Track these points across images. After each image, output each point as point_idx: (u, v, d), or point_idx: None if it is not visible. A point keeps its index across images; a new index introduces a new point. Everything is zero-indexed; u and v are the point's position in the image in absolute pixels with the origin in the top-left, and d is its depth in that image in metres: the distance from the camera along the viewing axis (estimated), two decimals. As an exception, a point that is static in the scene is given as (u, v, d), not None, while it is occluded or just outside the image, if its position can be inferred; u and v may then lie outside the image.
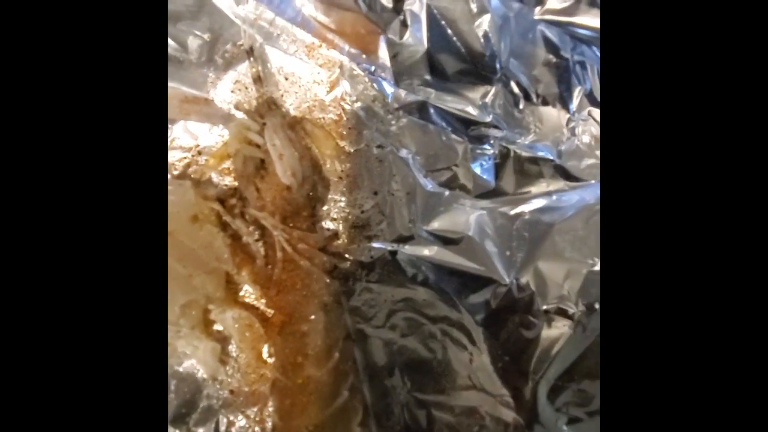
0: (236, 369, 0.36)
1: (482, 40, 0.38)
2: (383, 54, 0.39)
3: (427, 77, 0.39)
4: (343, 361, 0.33)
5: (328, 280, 0.35)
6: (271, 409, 0.34)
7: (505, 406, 0.36)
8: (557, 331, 0.37)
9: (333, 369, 0.33)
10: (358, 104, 0.40)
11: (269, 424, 0.35)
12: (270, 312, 0.36)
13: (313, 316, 0.33)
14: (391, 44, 0.39)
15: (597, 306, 0.36)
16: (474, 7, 0.37)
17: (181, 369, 0.36)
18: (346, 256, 0.38)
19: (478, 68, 0.39)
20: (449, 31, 0.38)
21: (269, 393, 0.35)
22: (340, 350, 0.33)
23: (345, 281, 0.37)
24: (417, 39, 0.38)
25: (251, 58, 0.39)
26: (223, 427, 0.35)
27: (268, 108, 0.37)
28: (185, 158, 0.40)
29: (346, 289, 0.37)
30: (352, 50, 0.40)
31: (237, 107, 0.38)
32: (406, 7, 0.38)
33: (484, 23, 0.37)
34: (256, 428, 0.35)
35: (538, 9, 0.36)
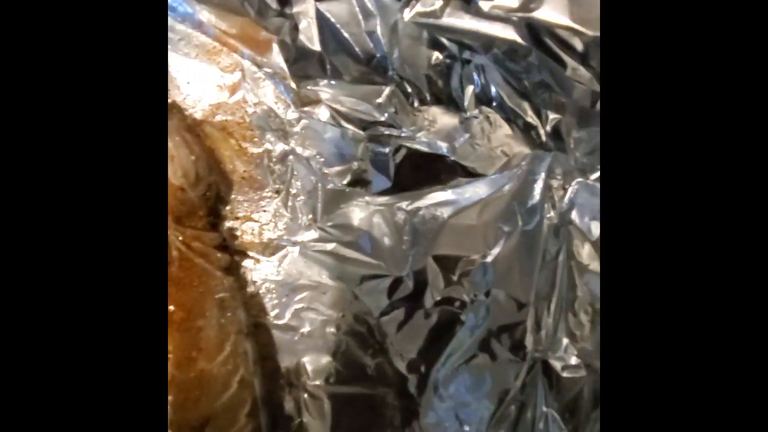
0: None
1: (373, 41, 0.39)
2: (279, 58, 0.40)
3: (324, 79, 0.41)
4: (234, 354, 0.34)
5: (222, 277, 0.36)
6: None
7: (402, 396, 0.37)
8: (451, 321, 0.38)
9: (223, 362, 0.34)
10: (260, 107, 0.41)
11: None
12: (170, 309, 0.37)
13: (208, 312, 0.34)
14: (285, 48, 0.40)
15: (487, 296, 0.38)
16: (359, 9, 0.38)
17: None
18: (249, 253, 0.39)
19: (372, 69, 0.40)
20: (342, 33, 0.39)
21: (166, 389, 0.36)
22: (232, 344, 0.34)
23: (242, 277, 0.38)
24: (310, 42, 0.40)
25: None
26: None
27: (169, 111, 0.38)
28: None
29: (243, 285, 0.38)
30: (252, 54, 0.41)
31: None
32: (296, 10, 0.39)
33: (373, 25, 0.39)
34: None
35: (407, 11, 0.37)
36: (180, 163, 0.35)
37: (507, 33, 0.36)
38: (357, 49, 0.40)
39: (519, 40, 0.36)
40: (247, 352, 0.35)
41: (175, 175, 0.35)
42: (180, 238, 0.35)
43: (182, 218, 0.36)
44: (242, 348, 0.35)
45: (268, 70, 0.41)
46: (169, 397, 0.34)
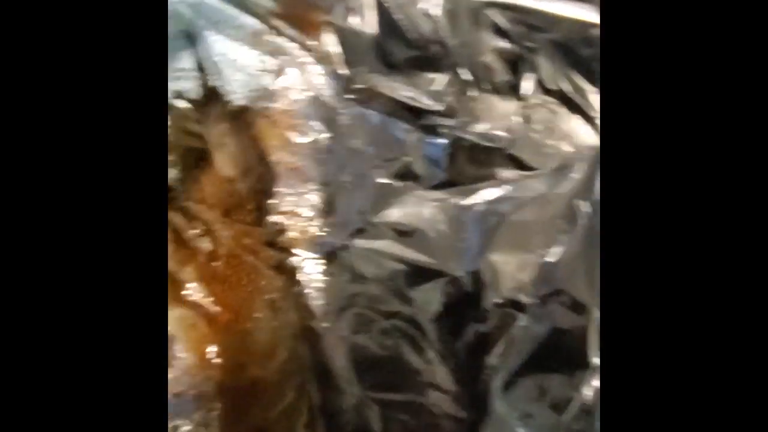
0: (181, 371, 0.35)
1: (431, 26, 0.37)
2: (329, 41, 0.38)
3: (376, 65, 0.38)
4: (290, 360, 0.32)
5: (274, 276, 0.34)
6: (216, 412, 0.33)
7: (458, 403, 0.35)
8: (510, 324, 0.36)
9: (278, 369, 0.32)
10: (307, 94, 0.39)
11: (215, 429, 0.34)
12: (216, 310, 0.35)
13: (258, 314, 0.32)
14: (336, 31, 0.38)
15: (551, 297, 0.36)
16: (421, -9, 0.36)
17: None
18: (295, 251, 0.37)
19: (427, 56, 0.38)
20: (397, 17, 0.37)
21: (214, 395, 0.34)
22: (287, 349, 0.32)
23: (292, 277, 0.36)
24: (364, 25, 0.37)
25: (195, 47, 0.38)
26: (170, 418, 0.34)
27: (210, 97, 0.36)
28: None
29: (293, 285, 0.36)
30: (300, 37, 0.39)
31: (178, 96, 0.37)
32: (352, -9, 0.37)
33: (432, 8, 0.36)
34: (199, 432, 0.34)
35: (485, -8, 0.35)
36: (229, 151, 0.33)
37: (580, 13, 0.34)
38: (413, 33, 0.37)
39: (593, 21, 0.34)
40: (302, 357, 0.33)
41: (224, 165, 0.33)
42: (228, 233, 0.33)
43: (231, 212, 0.34)
44: (297, 353, 0.33)
45: (317, 55, 0.39)
46: (219, 407, 0.32)
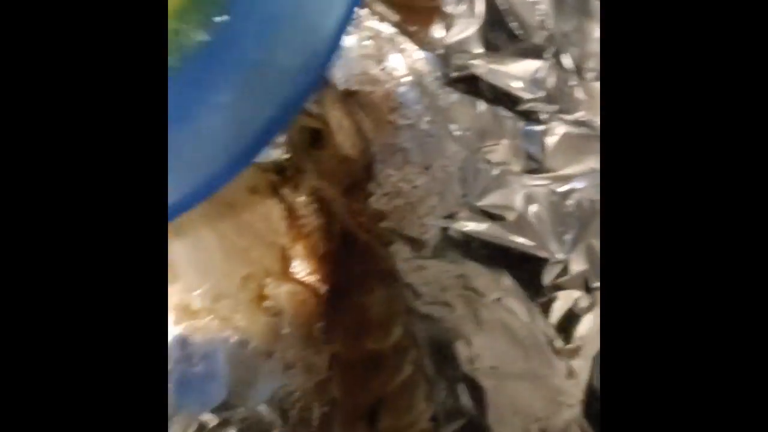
0: (290, 344, 0.36)
1: (536, 14, 0.38)
2: (436, 26, 0.39)
3: (479, 51, 0.39)
4: (405, 335, 0.33)
5: (385, 254, 0.35)
6: (329, 384, 0.34)
7: (558, 382, 0.36)
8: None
9: (394, 344, 0.32)
10: (408, 78, 0.40)
11: (325, 399, 0.35)
12: (322, 287, 0.36)
13: (373, 291, 0.33)
14: (444, 17, 0.38)
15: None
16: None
17: (235, 343, 0.36)
18: (398, 231, 0.38)
19: (531, 43, 0.38)
20: (503, 6, 0.38)
21: (327, 368, 0.35)
22: (402, 324, 0.33)
23: (398, 257, 0.37)
24: (471, 11, 0.38)
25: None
26: (280, 405, 0.35)
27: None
28: (234, 132, 0.39)
29: (400, 264, 0.37)
30: (403, 22, 0.39)
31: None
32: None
33: (540, -4, 0.37)
34: (314, 403, 0.35)
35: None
36: (348, 131, 0.34)
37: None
38: (517, 22, 0.38)
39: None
40: (415, 333, 0.34)
41: (345, 144, 0.34)
42: (345, 211, 0.34)
43: (348, 191, 0.34)
44: (411, 329, 0.34)
45: (420, 40, 0.39)
46: (335, 378, 0.33)
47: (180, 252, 0.33)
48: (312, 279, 0.37)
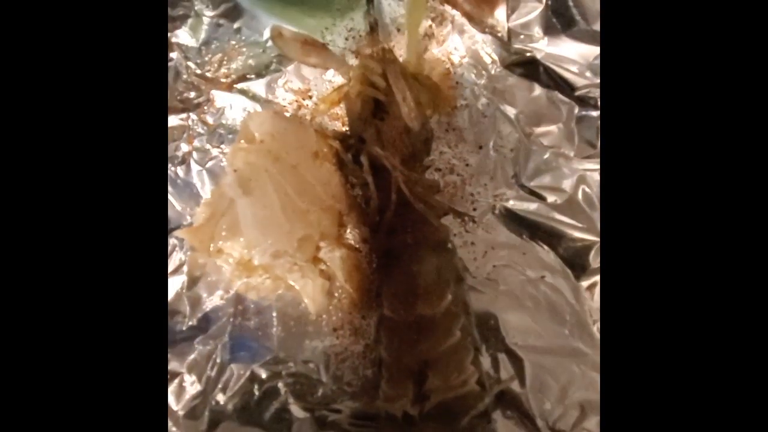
0: (339, 308, 0.38)
1: (597, 1, 0.38)
2: (500, 9, 0.40)
3: (539, 35, 0.40)
4: (455, 303, 0.34)
5: (439, 225, 0.36)
6: (377, 345, 0.35)
7: (596, 361, 0.37)
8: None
9: (445, 310, 0.33)
10: (467, 59, 0.41)
11: (372, 359, 0.36)
12: (374, 255, 0.38)
13: (424, 259, 0.34)
14: (508, 2, 0.39)
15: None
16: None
17: (287, 302, 0.38)
18: (450, 206, 0.39)
19: (590, 29, 0.39)
20: (567, -8, 0.38)
21: (374, 331, 0.36)
22: (452, 292, 0.34)
23: (450, 231, 0.38)
24: (534, -1, 0.39)
25: (370, 8, 0.40)
26: (327, 363, 0.37)
27: (383, 56, 0.38)
28: (296, 101, 0.41)
29: (452, 237, 0.38)
30: (466, 4, 0.40)
31: (357, 52, 0.39)
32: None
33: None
34: (359, 363, 0.37)
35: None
36: (410, 104, 0.35)
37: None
38: (578, 8, 0.39)
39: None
40: (465, 301, 0.35)
41: (408, 115, 0.35)
42: (403, 180, 0.35)
43: (407, 161, 0.35)
44: (462, 296, 0.35)
45: (480, 24, 0.40)
46: (384, 340, 0.35)
47: (246, 209, 0.34)
48: (365, 246, 0.38)
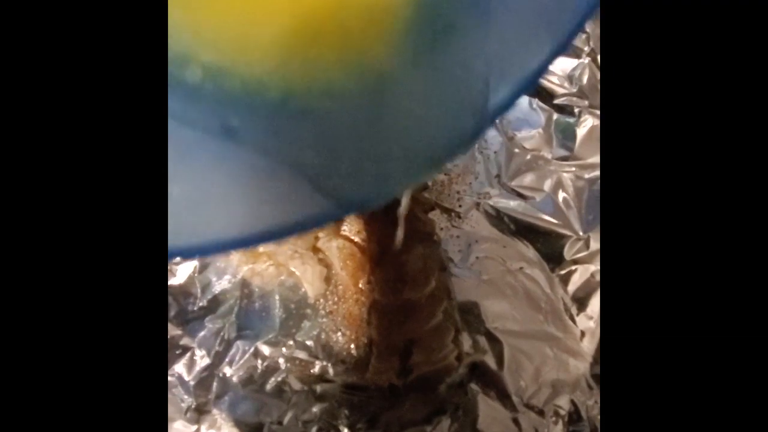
0: (335, 293, 0.41)
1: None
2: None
3: (522, 48, 0.44)
4: (439, 288, 0.38)
5: (425, 218, 0.40)
6: (368, 326, 0.39)
7: (571, 344, 0.41)
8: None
9: (429, 294, 0.37)
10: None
11: (363, 342, 0.40)
12: (367, 245, 0.41)
13: (412, 249, 0.38)
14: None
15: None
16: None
17: (288, 287, 0.42)
18: (438, 203, 0.43)
19: (571, 43, 0.43)
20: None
21: (367, 315, 0.40)
22: (436, 279, 0.38)
23: (437, 224, 0.42)
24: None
25: None
26: (322, 342, 0.41)
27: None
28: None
29: (438, 231, 0.42)
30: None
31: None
32: None
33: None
34: (352, 345, 0.40)
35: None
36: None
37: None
38: (558, 22, 0.43)
39: None
40: (447, 287, 0.39)
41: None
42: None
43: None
44: (446, 283, 0.38)
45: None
46: (374, 321, 0.38)
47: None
48: (360, 237, 0.42)
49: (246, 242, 0.22)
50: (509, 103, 0.22)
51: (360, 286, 0.41)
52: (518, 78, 0.22)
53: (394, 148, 0.22)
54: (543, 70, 0.22)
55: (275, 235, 0.22)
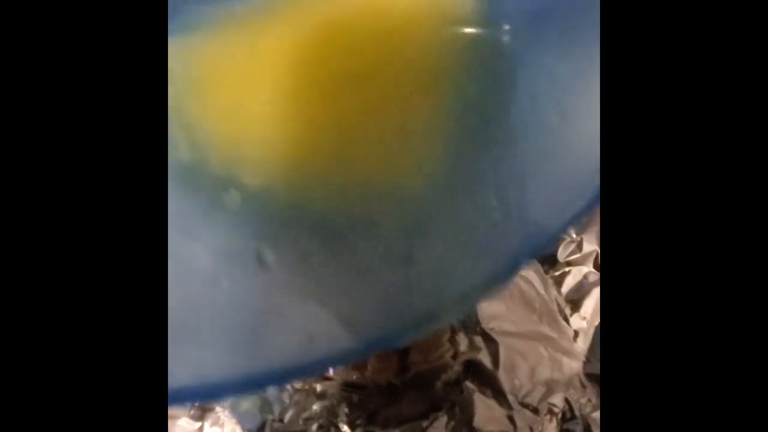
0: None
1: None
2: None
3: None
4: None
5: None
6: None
7: (565, 344, 0.42)
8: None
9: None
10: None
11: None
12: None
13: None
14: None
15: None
16: None
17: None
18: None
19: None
20: None
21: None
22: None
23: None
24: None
25: None
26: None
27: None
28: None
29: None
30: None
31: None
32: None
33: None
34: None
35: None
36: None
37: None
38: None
39: None
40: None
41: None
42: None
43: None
44: (441, 284, 0.40)
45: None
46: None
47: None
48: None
49: (257, 381, 0.21)
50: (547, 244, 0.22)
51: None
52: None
53: (426, 284, 0.22)
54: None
55: (294, 374, 0.21)
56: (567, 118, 0.23)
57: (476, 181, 0.23)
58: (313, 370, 0.21)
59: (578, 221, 0.21)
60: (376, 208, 0.23)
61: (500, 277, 0.22)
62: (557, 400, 0.41)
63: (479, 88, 0.23)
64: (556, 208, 0.22)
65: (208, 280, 0.21)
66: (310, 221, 0.23)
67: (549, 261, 0.43)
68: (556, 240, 0.21)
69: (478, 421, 0.40)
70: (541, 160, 0.23)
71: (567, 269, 0.43)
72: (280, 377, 0.22)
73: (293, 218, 0.23)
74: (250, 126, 0.22)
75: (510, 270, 0.22)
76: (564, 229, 0.22)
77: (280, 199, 0.22)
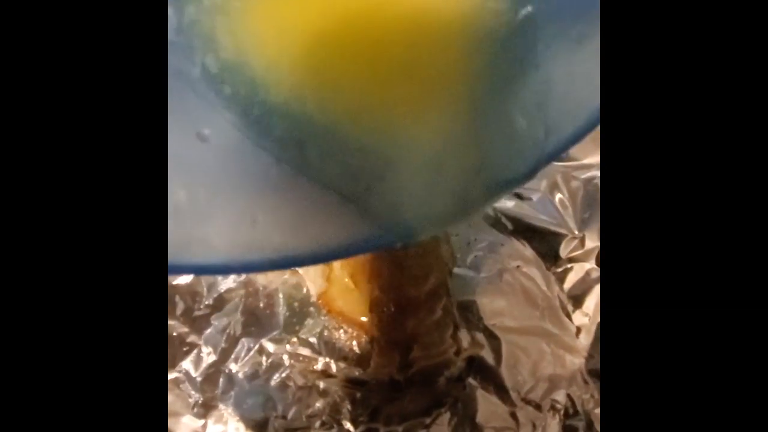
0: (337, 290, 0.43)
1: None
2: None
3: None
4: (438, 286, 0.39)
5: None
6: (368, 324, 0.40)
7: (568, 340, 0.42)
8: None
9: (429, 291, 0.39)
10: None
11: (363, 339, 0.41)
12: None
13: (413, 248, 0.39)
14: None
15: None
16: None
17: (292, 285, 0.43)
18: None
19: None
20: None
21: (369, 312, 0.41)
22: (436, 277, 0.39)
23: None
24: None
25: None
26: (325, 339, 0.42)
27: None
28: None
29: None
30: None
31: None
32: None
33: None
34: (353, 342, 0.42)
35: None
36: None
37: None
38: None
39: None
40: (448, 285, 0.40)
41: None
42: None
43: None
44: (444, 281, 0.40)
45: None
46: (374, 319, 0.40)
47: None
48: (361, 237, 0.44)
49: (289, 262, 0.23)
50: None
51: (361, 284, 0.42)
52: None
53: (450, 177, 0.23)
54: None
55: (319, 257, 0.23)
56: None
57: (502, 107, 0.24)
58: (335, 255, 0.23)
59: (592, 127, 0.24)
60: (411, 125, 0.24)
61: (522, 176, 0.24)
62: (560, 396, 0.41)
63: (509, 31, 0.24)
64: (570, 119, 0.24)
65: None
66: (347, 131, 0.23)
67: (551, 257, 0.43)
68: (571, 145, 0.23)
69: (480, 418, 0.40)
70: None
71: (569, 266, 0.43)
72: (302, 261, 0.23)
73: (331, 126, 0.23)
74: (293, 41, 0.23)
75: (534, 166, 0.24)
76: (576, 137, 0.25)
77: (316, 108, 0.23)
